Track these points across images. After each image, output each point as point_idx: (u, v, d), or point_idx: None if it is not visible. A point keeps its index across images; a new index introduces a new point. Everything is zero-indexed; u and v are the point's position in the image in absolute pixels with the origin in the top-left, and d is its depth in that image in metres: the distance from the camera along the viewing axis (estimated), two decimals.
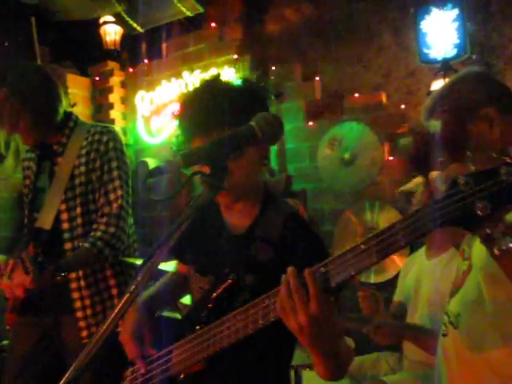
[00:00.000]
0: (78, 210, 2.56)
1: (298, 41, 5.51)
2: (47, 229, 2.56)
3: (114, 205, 2.56)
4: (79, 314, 2.56)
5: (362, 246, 1.12)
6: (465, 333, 1.56)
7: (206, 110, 1.55)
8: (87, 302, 2.56)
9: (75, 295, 2.56)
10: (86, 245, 2.46)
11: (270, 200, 1.73)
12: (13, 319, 2.57)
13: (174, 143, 4.67)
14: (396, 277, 3.29)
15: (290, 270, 1.24)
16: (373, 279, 4.09)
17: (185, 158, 1.28)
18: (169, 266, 3.20)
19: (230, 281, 1.57)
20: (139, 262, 2.83)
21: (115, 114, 5.64)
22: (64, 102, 2.69)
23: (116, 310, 1.20)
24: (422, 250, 2.97)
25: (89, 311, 2.56)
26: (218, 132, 1.48)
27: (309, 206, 4.40)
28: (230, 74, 4.75)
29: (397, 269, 3.78)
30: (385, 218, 4.07)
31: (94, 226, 2.54)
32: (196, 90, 1.67)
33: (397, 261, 3.94)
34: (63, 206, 2.56)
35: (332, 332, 1.25)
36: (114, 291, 2.65)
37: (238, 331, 1.39)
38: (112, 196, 2.57)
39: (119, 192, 2.58)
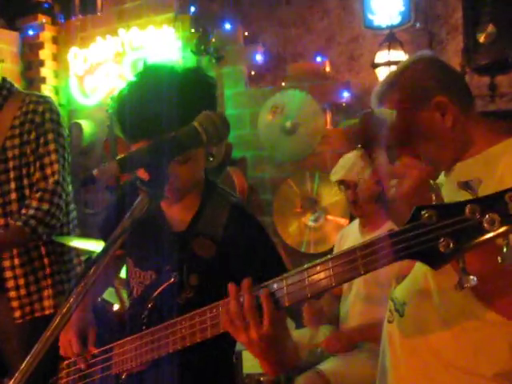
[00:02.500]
0: (12, 184, 2.44)
1: (241, 0, 5.34)
2: None
3: (50, 180, 2.44)
4: (12, 293, 2.47)
5: (319, 268, 1.09)
6: (410, 321, 1.57)
7: (150, 109, 1.42)
8: (21, 281, 2.48)
9: (8, 274, 2.47)
10: (18, 223, 2.36)
11: (211, 190, 1.65)
12: None
13: (109, 105, 4.47)
14: None
15: (244, 284, 1.19)
16: (313, 249, 4.09)
17: (121, 163, 1.16)
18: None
19: (172, 279, 1.51)
20: (75, 241, 2.73)
21: (46, 71, 5.33)
22: None
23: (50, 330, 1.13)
24: (356, 225, 2.95)
25: (23, 291, 2.48)
26: (162, 134, 1.36)
27: (249, 174, 4.32)
28: (170, 34, 4.55)
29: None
30: (325, 188, 4.05)
31: (27, 202, 2.42)
32: (136, 84, 1.52)
33: (337, 232, 3.94)
34: None
35: (282, 345, 1.23)
36: (48, 271, 2.56)
37: (184, 338, 1.35)
38: (48, 171, 2.45)
39: (55, 166, 2.46)
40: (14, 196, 2.45)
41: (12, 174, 2.44)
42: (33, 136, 2.45)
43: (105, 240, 1.94)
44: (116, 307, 2.77)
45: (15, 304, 2.47)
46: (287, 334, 1.41)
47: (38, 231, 2.39)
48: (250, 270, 1.42)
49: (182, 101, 1.44)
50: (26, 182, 2.46)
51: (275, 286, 1.16)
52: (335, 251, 3.06)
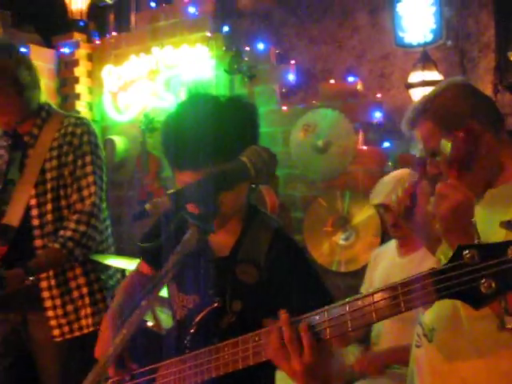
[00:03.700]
0: (49, 205, 2.49)
1: (272, 18, 5.38)
2: (15, 225, 2.48)
3: (87, 202, 2.48)
4: (50, 313, 2.50)
5: (360, 302, 1.10)
6: (439, 347, 1.56)
7: (194, 141, 1.45)
8: (58, 301, 2.51)
9: (45, 294, 2.50)
10: (56, 245, 2.39)
11: (253, 214, 1.67)
12: None
13: (142, 122, 4.56)
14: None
15: (282, 317, 1.20)
16: (344, 268, 4.09)
17: (173, 198, 1.20)
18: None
19: (215, 304, 1.53)
20: (112, 259, 2.77)
21: (81, 88, 5.42)
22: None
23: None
24: (393, 245, 2.95)
25: (60, 311, 2.52)
26: (209, 166, 1.39)
27: (280, 192, 4.33)
28: (203, 53, 4.61)
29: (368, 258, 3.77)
30: (356, 208, 4.06)
31: (65, 224, 2.46)
32: (180, 114, 1.56)
33: (369, 251, 3.94)
34: (33, 201, 2.47)
35: (325, 372, 1.22)
36: (85, 290, 2.59)
37: (227, 364, 1.36)
38: (85, 192, 2.49)
39: (93, 188, 2.50)
40: (50, 217, 2.49)
41: (50, 196, 2.48)
42: (71, 158, 2.49)
43: (143, 258, 1.98)
44: (149, 324, 2.80)
45: (53, 323, 2.50)
46: (331, 360, 1.42)
47: (75, 253, 2.43)
48: (292, 297, 1.44)
49: (226, 132, 1.47)
50: (63, 203, 2.50)
51: (317, 318, 1.17)
52: (368, 271, 3.07)
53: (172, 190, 1.24)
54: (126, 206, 5.10)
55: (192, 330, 1.54)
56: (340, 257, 4.12)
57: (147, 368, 1.61)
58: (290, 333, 1.17)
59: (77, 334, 2.54)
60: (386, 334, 2.81)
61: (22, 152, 2.56)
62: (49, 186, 2.48)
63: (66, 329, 2.52)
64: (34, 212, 2.47)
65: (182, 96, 4.69)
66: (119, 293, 1.99)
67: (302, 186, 4.37)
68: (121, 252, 3.06)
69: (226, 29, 4.74)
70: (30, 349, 2.60)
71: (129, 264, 3.20)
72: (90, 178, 2.50)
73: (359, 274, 3.44)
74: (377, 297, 1.08)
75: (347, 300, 1.13)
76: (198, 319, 1.54)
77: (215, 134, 1.45)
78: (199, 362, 1.43)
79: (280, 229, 1.67)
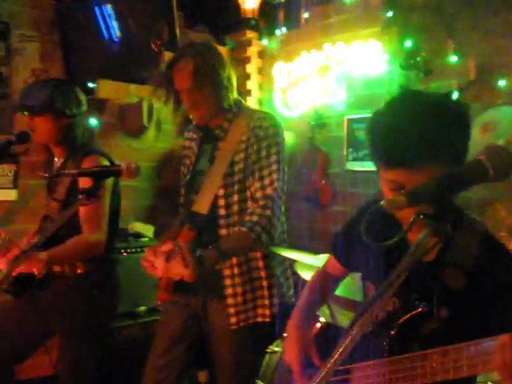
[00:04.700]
0: (236, 196, 2.58)
1: (444, 10, 5.16)
2: (204, 213, 2.59)
3: (269, 190, 2.53)
4: (230, 300, 2.58)
5: None
6: None
7: (405, 138, 1.43)
8: (239, 289, 2.58)
9: (227, 282, 2.59)
10: (244, 229, 2.44)
11: (459, 217, 1.60)
12: (164, 297, 2.65)
13: (311, 117, 4.63)
14: None
15: None
16: None
17: (409, 197, 1.18)
18: (310, 258, 3.19)
19: (420, 309, 1.49)
20: (289, 253, 2.82)
21: (252, 84, 5.59)
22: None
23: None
24: None
25: (240, 299, 2.59)
26: (421, 166, 1.35)
27: None
28: (376, 48, 4.53)
29: None
30: None
31: (250, 210, 2.52)
32: (392, 111, 1.54)
33: None
34: (221, 192, 2.58)
35: None
36: (265, 282, 2.66)
37: (434, 374, 1.31)
38: (267, 181, 2.55)
39: (275, 177, 2.55)
40: (236, 208, 2.58)
41: (237, 187, 2.58)
42: (255, 149, 2.56)
43: (336, 257, 1.98)
44: (322, 320, 2.81)
45: (232, 310, 2.58)
46: None
47: (262, 238, 2.47)
48: (505, 307, 1.36)
49: (438, 131, 1.43)
50: (247, 194, 2.59)
51: None
52: None
53: (408, 190, 1.22)
54: (294, 202, 5.15)
55: (392, 333, 1.52)
56: None
57: (341, 368, 1.60)
58: None
59: (252, 322, 2.61)
60: None
61: (212, 145, 2.69)
62: (236, 177, 2.57)
63: (242, 316, 2.59)
64: (222, 202, 2.58)
65: (353, 92, 4.67)
66: (306, 291, 2.02)
67: (478, 188, 4.13)
68: (288, 246, 3.11)
69: (398, 23, 4.61)
70: (206, 335, 2.71)
71: (304, 258, 3.24)
72: (273, 168, 2.55)
73: None
74: None
75: None
76: (399, 322, 1.51)
77: (423, 131, 1.42)
78: (402, 367, 1.40)
79: (488, 232, 1.60)
